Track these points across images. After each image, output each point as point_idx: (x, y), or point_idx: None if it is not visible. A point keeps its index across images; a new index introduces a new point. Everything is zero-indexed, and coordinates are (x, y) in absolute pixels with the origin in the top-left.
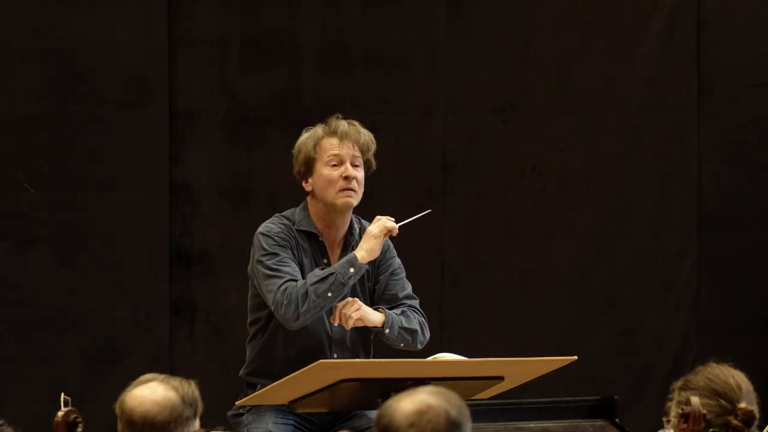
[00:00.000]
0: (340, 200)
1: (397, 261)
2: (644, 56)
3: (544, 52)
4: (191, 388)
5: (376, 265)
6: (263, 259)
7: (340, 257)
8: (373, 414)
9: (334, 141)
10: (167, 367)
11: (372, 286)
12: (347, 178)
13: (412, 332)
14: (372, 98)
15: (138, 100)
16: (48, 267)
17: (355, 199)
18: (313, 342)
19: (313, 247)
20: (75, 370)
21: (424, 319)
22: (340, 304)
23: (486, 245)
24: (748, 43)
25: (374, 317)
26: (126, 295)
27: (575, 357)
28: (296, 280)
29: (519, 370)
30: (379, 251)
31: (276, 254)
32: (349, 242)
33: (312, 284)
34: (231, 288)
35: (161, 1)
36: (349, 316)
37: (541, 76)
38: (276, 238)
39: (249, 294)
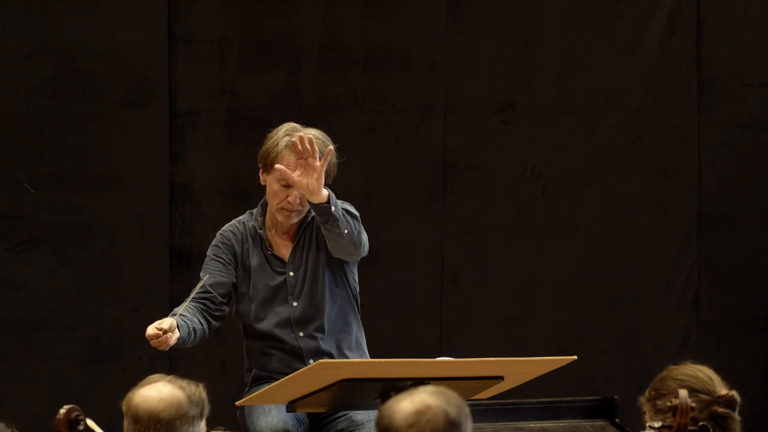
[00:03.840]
0: (279, 216)
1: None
2: (644, 56)
3: (544, 52)
4: (198, 390)
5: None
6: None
7: (297, 242)
8: (354, 414)
9: (291, 159)
10: (167, 367)
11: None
12: (289, 202)
13: (354, 216)
14: (372, 98)
15: (138, 100)
16: (48, 267)
17: (295, 218)
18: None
19: (260, 240)
20: (75, 370)
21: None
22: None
23: (486, 245)
24: (748, 43)
25: (323, 193)
26: (126, 295)
27: (575, 357)
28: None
29: (519, 370)
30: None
31: (208, 257)
32: (309, 223)
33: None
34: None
35: (161, 1)
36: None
37: (541, 76)
38: (220, 237)
39: None
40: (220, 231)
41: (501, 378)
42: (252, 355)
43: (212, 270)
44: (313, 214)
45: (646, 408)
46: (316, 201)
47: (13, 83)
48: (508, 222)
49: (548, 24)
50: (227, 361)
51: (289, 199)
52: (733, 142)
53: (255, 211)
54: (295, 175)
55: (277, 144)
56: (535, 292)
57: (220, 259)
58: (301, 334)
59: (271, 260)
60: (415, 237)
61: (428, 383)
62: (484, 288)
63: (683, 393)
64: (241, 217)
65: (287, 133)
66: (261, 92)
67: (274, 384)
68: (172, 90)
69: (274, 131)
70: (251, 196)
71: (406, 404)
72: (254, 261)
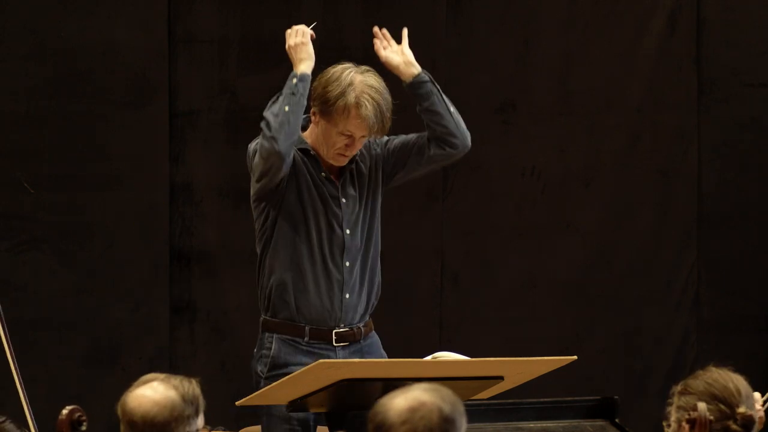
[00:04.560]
0: (332, 160)
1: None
2: (644, 56)
3: (544, 52)
4: (192, 386)
5: (378, 153)
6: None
7: (340, 173)
8: None
9: (357, 122)
10: (167, 367)
11: (382, 169)
12: (348, 147)
13: (446, 100)
14: None
15: (138, 100)
16: (48, 267)
17: (345, 162)
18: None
19: (310, 161)
20: (75, 370)
21: None
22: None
23: (486, 245)
24: (748, 43)
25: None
26: (126, 295)
27: (575, 357)
28: None
29: (519, 370)
30: (311, 51)
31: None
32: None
33: (267, 110)
34: (231, 288)
35: (161, 1)
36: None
37: (541, 76)
38: None
39: (255, 227)
40: None
41: (501, 378)
42: (286, 281)
43: None
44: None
45: (674, 399)
46: (413, 74)
47: (13, 83)
48: (508, 222)
49: (548, 24)
50: (227, 361)
51: (351, 148)
52: (733, 142)
53: None
54: (385, 55)
55: (344, 95)
56: (535, 292)
57: None
58: (347, 264)
59: (326, 184)
60: (415, 237)
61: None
62: (484, 288)
63: (702, 407)
64: None
65: (350, 82)
66: (261, 92)
67: (273, 384)
68: (172, 90)
69: (335, 74)
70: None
71: (399, 401)
72: (305, 178)
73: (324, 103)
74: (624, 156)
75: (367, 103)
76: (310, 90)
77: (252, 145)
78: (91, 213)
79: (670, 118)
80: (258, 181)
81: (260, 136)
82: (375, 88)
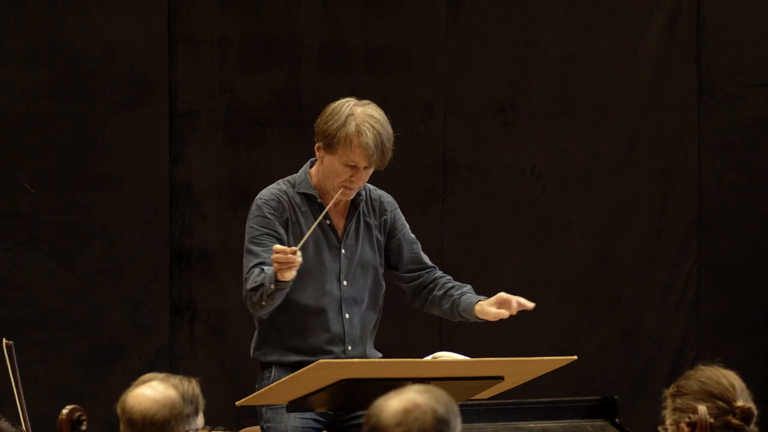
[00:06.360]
0: (337, 193)
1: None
2: (644, 56)
3: (544, 52)
4: (192, 386)
5: (386, 222)
6: (246, 232)
7: (348, 216)
8: None
9: (359, 150)
10: (167, 367)
11: (384, 240)
12: (353, 182)
13: None
14: (372, 98)
15: (138, 100)
16: (48, 267)
17: (352, 195)
18: (324, 302)
19: (313, 208)
20: (75, 370)
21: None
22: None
23: (486, 245)
24: (748, 43)
25: None
26: (126, 295)
27: (575, 357)
28: (264, 265)
29: (519, 370)
30: (292, 275)
31: (257, 229)
32: (357, 202)
33: (249, 290)
34: (231, 288)
35: (161, 1)
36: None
37: (541, 76)
38: (265, 207)
39: None
40: (261, 199)
41: (501, 378)
42: (285, 330)
43: (270, 248)
44: (364, 191)
45: (668, 402)
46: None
47: (13, 83)
48: (508, 222)
49: (548, 24)
50: (227, 361)
51: (356, 179)
52: (733, 142)
53: (295, 178)
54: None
55: (345, 125)
56: (535, 292)
57: (274, 232)
58: (347, 316)
59: (328, 231)
60: (416, 237)
61: (428, 383)
62: (484, 288)
63: (702, 410)
64: (276, 186)
65: (351, 113)
66: (261, 92)
67: (273, 384)
68: (172, 90)
69: (336, 108)
70: (251, 195)
71: (394, 402)
72: (302, 225)
73: (327, 136)
74: (624, 156)
75: (367, 131)
76: (313, 128)
77: (252, 214)
78: (91, 213)
79: (670, 118)
80: None
81: (253, 275)
82: (375, 118)
